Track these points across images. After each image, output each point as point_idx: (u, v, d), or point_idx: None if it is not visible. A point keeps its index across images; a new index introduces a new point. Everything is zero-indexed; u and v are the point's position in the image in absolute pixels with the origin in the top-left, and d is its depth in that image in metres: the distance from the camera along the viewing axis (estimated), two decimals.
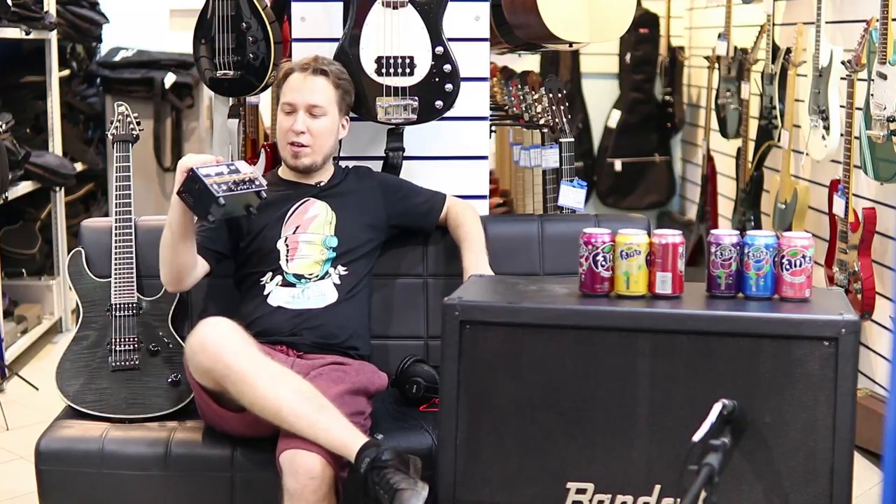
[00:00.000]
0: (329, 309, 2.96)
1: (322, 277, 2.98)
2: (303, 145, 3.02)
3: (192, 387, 2.83)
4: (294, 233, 3.01)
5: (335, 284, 2.99)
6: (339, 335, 2.96)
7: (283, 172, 3.13)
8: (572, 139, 3.81)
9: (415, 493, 2.44)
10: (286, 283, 2.97)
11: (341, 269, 3.00)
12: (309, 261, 2.99)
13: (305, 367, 2.84)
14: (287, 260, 2.98)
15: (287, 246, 2.99)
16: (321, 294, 2.97)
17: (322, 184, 3.10)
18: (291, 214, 3.04)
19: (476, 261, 3.04)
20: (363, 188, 3.14)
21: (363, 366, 2.96)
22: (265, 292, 2.97)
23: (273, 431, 2.65)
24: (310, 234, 3.01)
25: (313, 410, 2.60)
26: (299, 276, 2.97)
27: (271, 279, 2.97)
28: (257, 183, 2.74)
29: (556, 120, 3.83)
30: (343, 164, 3.24)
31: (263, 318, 2.93)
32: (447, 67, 3.20)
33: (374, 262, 3.12)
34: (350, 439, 2.58)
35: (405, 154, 3.29)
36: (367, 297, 3.10)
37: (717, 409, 2.20)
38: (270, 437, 2.66)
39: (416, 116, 3.21)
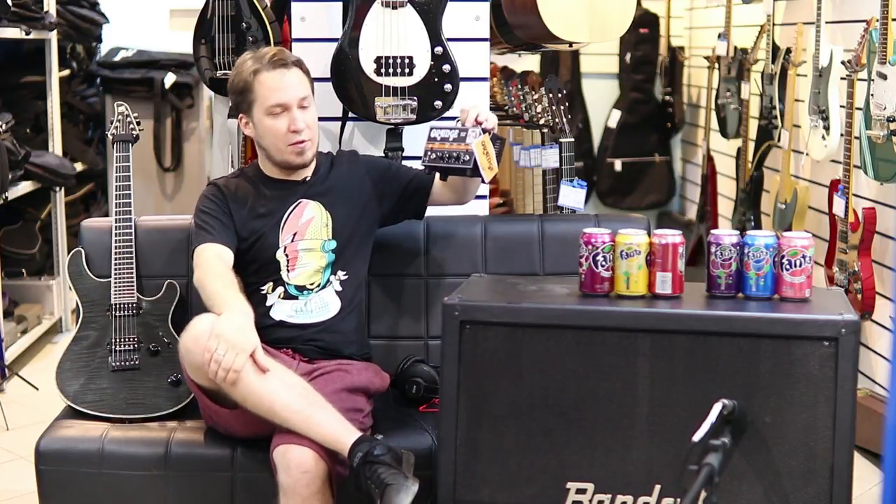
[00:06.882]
0: (332, 322, 2.92)
1: (323, 286, 2.94)
2: (304, 140, 2.91)
3: (189, 385, 2.83)
4: (292, 241, 2.94)
5: (337, 292, 2.95)
6: (343, 350, 2.93)
7: (266, 170, 3.00)
8: (572, 139, 3.81)
9: (404, 488, 2.45)
10: (288, 296, 2.92)
11: (341, 275, 2.96)
12: (310, 269, 2.93)
13: (309, 370, 2.83)
14: (288, 270, 2.93)
15: (287, 256, 2.93)
16: (324, 306, 2.93)
17: (308, 178, 3.00)
18: (286, 220, 2.95)
19: None
20: (352, 176, 3.04)
21: (367, 367, 2.96)
22: (267, 303, 2.92)
23: (273, 431, 2.64)
24: (308, 240, 2.95)
25: (306, 406, 2.61)
26: (301, 288, 2.93)
27: (273, 290, 2.92)
28: None
29: (556, 120, 3.83)
30: (325, 150, 3.17)
31: (265, 330, 2.85)
32: (446, 67, 3.20)
33: (368, 258, 3.05)
34: (343, 434, 2.58)
35: (404, 154, 3.29)
36: (363, 301, 3.08)
37: (717, 409, 2.20)
38: (270, 437, 2.66)
39: (415, 116, 3.21)
